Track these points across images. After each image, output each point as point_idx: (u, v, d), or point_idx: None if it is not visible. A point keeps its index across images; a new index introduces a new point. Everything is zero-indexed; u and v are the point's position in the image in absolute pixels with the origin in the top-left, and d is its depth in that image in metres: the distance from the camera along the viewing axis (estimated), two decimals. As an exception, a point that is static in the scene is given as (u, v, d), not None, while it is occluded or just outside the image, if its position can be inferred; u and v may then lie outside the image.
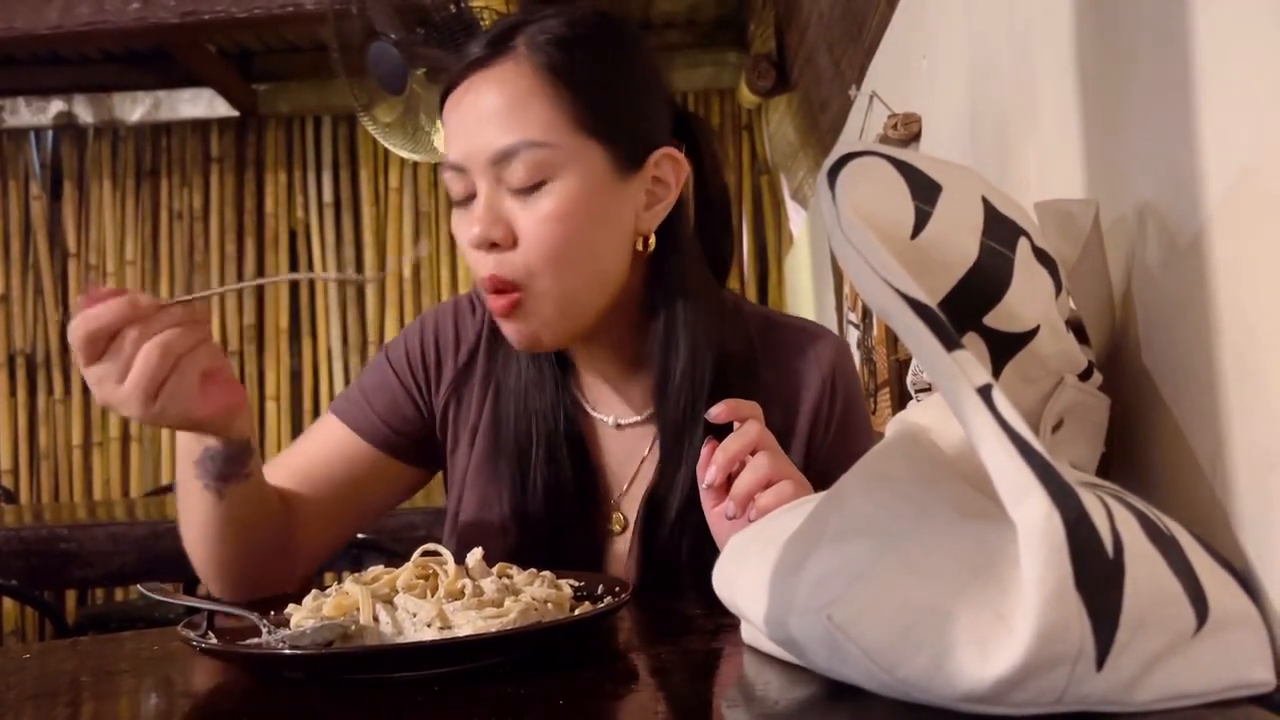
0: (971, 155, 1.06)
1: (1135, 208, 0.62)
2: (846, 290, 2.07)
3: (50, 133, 4.08)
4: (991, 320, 0.53)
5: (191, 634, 0.64)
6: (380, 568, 0.70)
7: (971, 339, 0.54)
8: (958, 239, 0.52)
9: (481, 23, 2.28)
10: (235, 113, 3.97)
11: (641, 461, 0.88)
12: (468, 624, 0.61)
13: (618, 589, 0.70)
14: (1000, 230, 0.53)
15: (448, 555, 0.69)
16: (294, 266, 4.02)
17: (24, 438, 3.97)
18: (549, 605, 0.65)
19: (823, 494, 0.56)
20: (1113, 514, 0.43)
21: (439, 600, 0.64)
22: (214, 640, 0.64)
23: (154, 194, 4.04)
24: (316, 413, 3.96)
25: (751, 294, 3.90)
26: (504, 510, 0.87)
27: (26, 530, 2.17)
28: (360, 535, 1.87)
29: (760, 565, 0.52)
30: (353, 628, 0.63)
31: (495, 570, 0.71)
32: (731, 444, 0.72)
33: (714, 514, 0.75)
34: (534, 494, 0.85)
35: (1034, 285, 0.54)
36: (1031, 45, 0.83)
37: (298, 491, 0.88)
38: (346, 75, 2.25)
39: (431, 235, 4.01)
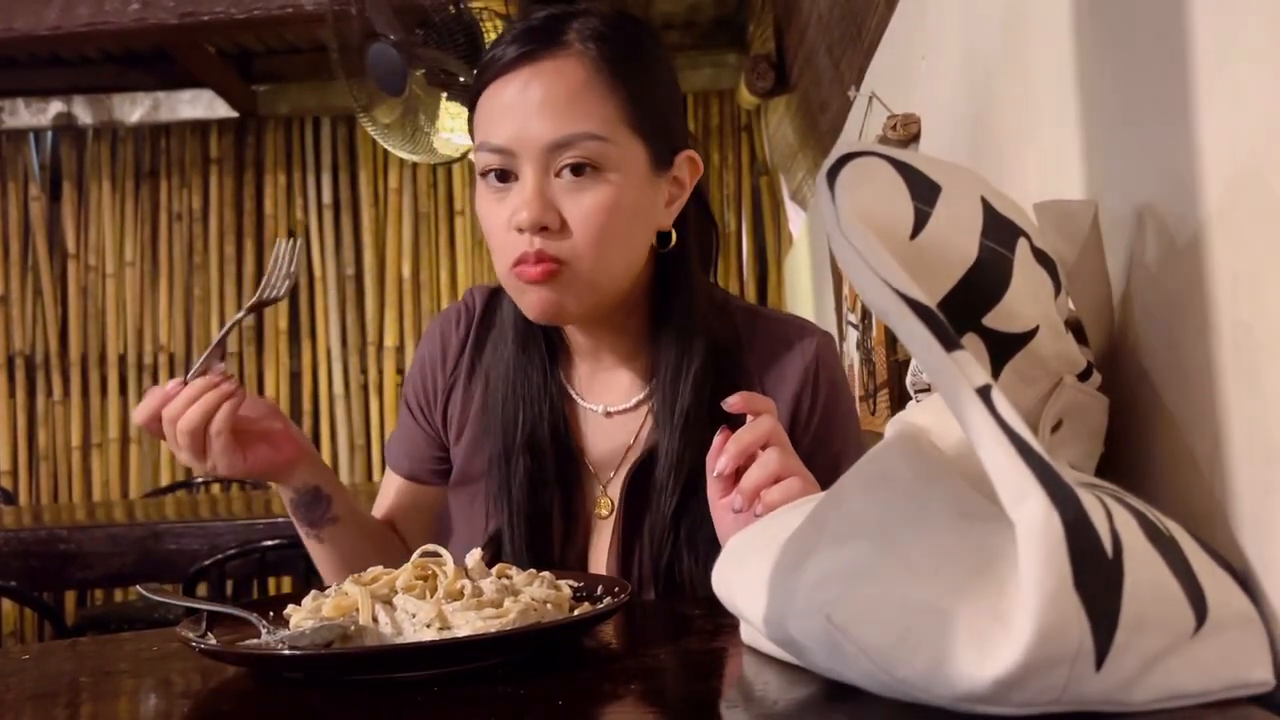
0: (970, 156, 1.07)
1: (1134, 208, 0.62)
2: (846, 291, 2.07)
3: (49, 134, 4.08)
4: (991, 321, 0.54)
5: (191, 634, 0.64)
6: (380, 568, 0.70)
7: (971, 339, 0.54)
8: (957, 239, 0.52)
9: (481, 23, 2.28)
10: (234, 114, 3.97)
11: (629, 448, 0.91)
12: (467, 625, 0.61)
13: (617, 589, 0.70)
14: (999, 231, 0.54)
15: (447, 556, 0.70)
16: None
17: (23, 439, 3.97)
18: (548, 606, 0.65)
19: (822, 494, 0.56)
20: (1112, 514, 0.43)
21: (438, 601, 0.64)
22: (213, 641, 0.64)
23: (153, 195, 4.03)
24: (316, 414, 3.97)
25: (751, 295, 3.90)
26: (489, 494, 0.91)
27: (26, 531, 2.17)
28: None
29: (759, 565, 0.52)
30: (352, 628, 0.63)
31: (495, 571, 0.71)
32: (745, 435, 0.73)
33: (719, 505, 0.76)
34: (517, 478, 0.89)
35: (1033, 286, 0.54)
36: (1030, 46, 0.83)
37: (399, 528, 0.99)
38: (346, 76, 2.25)
39: (431, 236, 4.01)
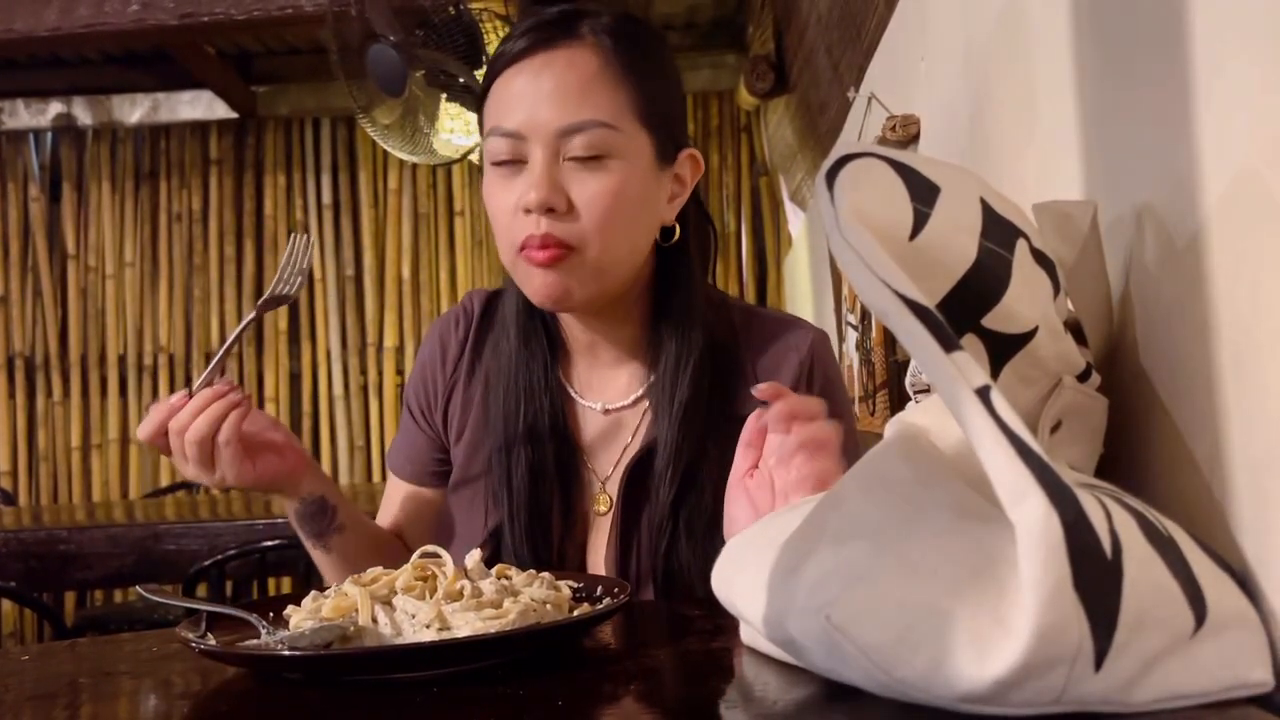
0: (970, 157, 1.07)
1: (1133, 209, 0.62)
2: (845, 292, 2.07)
3: (49, 134, 4.08)
4: (990, 321, 0.54)
5: (190, 635, 0.64)
6: (379, 569, 0.70)
7: (970, 340, 0.54)
8: (956, 240, 0.52)
9: (481, 24, 2.28)
10: (234, 115, 3.97)
11: (627, 445, 0.92)
12: (466, 625, 0.61)
13: (617, 590, 0.70)
14: (999, 231, 0.54)
15: (446, 557, 0.70)
16: (293, 268, 4.02)
17: (23, 440, 3.97)
18: (548, 606, 0.65)
19: (821, 495, 0.56)
20: (1111, 515, 0.43)
21: (438, 601, 0.64)
22: (213, 641, 0.64)
23: (153, 196, 4.04)
24: (316, 415, 3.97)
25: (750, 295, 3.90)
26: (489, 489, 0.91)
27: (25, 532, 2.17)
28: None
29: (759, 566, 0.52)
30: (351, 629, 0.63)
31: (494, 571, 0.71)
32: (796, 401, 0.72)
33: (737, 487, 0.74)
34: (518, 471, 0.90)
35: (1032, 286, 0.54)
36: (1030, 47, 0.83)
37: (404, 535, 0.99)
38: (346, 77, 2.25)
39: (430, 236, 4.01)
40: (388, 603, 0.65)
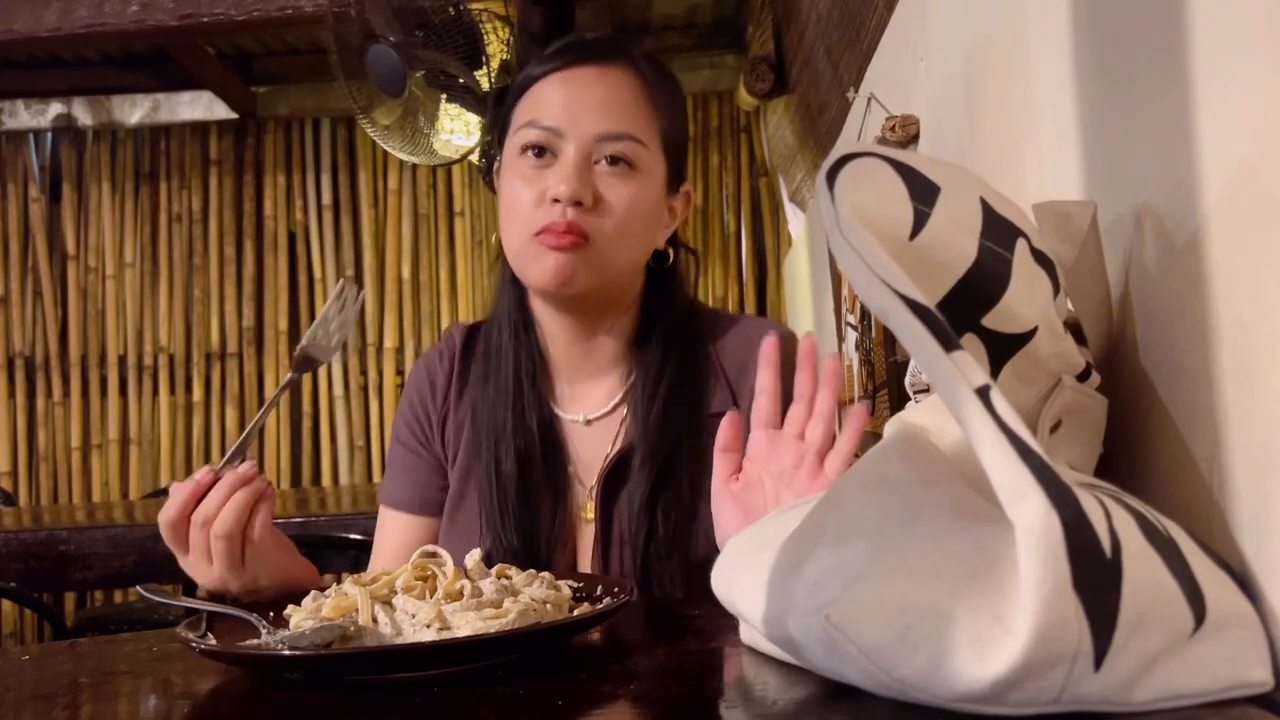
0: (970, 157, 1.07)
1: (1133, 208, 0.62)
2: (845, 292, 2.07)
3: (49, 135, 4.08)
4: (990, 321, 0.54)
5: (191, 635, 0.64)
6: (379, 569, 0.70)
7: (970, 340, 0.54)
8: (956, 240, 0.52)
9: (480, 25, 2.28)
10: (234, 115, 3.97)
11: (608, 452, 0.94)
12: (467, 625, 0.61)
13: (617, 590, 0.70)
14: (998, 231, 0.54)
15: (446, 557, 0.70)
16: (293, 268, 4.02)
17: (23, 440, 3.97)
18: (548, 606, 0.65)
19: (821, 495, 0.56)
20: (1110, 514, 0.43)
21: (437, 601, 0.64)
22: (213, 641, 0.64)
23: (153, 196, 4.04)
24: (316, 414, 3.97)
25: (750, 295, 3.90)
26: (480, 503, 0.94)
27: (25, 532, 2.17)
28: (357, 537, 1.87)
29: (758, 566, 0.52)
30: (351, 629, 0.63)
31: (494, 571, 0.71)
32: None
33: (723, 491, 0.78)
34: (508, 490, 0.92)
35: (1032, 286, 0.54)
36: (1029, 47, 0.83)
37: None
38: (345, 78, 2.25)
39: (430, 237, 4.01)
40: (388, 603, 0.65)
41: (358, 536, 1.86)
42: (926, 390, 0.75)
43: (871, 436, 0.92)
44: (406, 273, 3.98)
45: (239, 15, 2.72)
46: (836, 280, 2.19)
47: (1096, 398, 0.59)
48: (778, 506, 0.75)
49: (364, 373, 3.98)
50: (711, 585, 0.61)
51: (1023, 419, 0.42)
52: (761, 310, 3.91)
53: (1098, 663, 0.41)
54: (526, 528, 0.91)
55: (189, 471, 3.92)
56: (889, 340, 1.64)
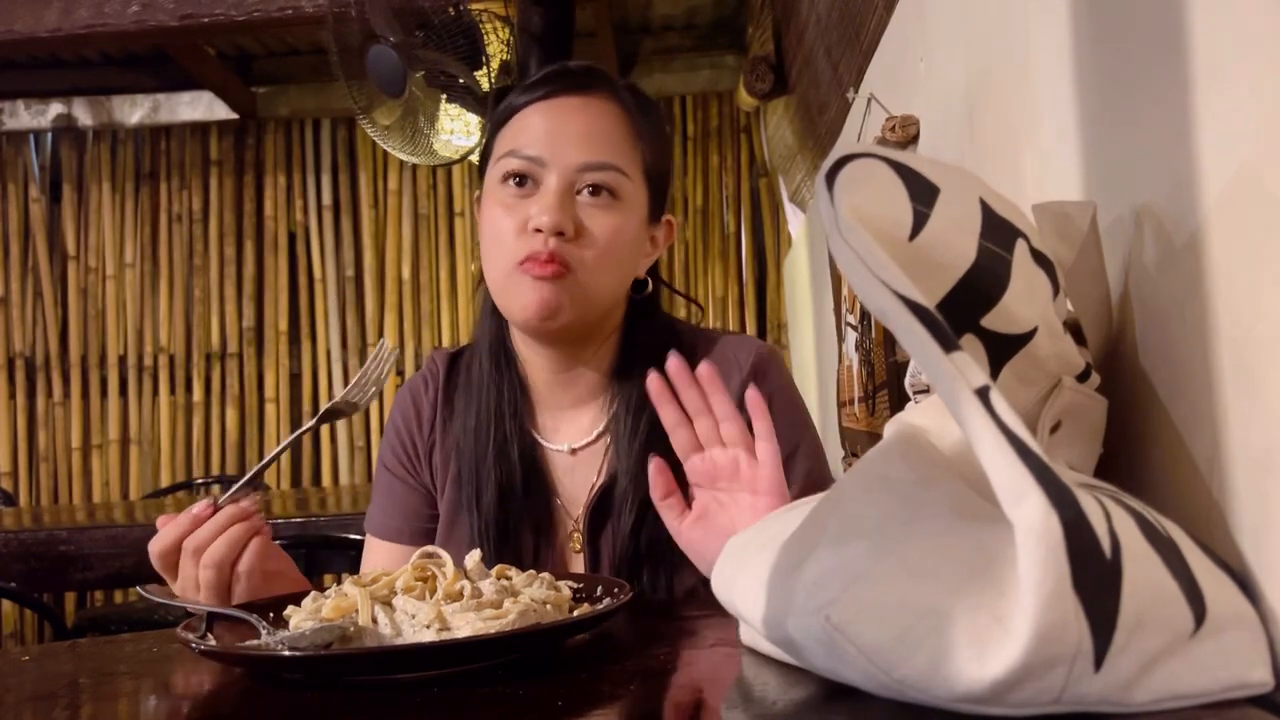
0: (969, 157, 1.07)
1: (1132, 209, 0.62)
2: (845, 292, 2.07)
3: (49, 135, 4.08)
4: (989, 322, 0.54)
5: (190, 636, 0.64)
6: (379, 569, 0.70)
7: (969, 341, 0.54)
8: (955, 241, 0.52)
9: (481, 25, 2.28)
10: (234, 115, 3.97)
11: (593, 482, 0.94)
12: (466, 626, 0.61)
13: (617, 590, 0.70)
14: (998, 232, 0.54)
15: (446, 557, 0.70)
16: (293, 269, 4.02)
17: (23, 440, 3.97)
18: (548, 607, 0.65)
19: (821, 495, 0.56)
20: (1110, 515, 0.43)
21: (437, 602, 0.64)
22: (213, 642, 0.64)
23: (153, 197, 4.04)
24: (315, 415, 3.96)
25: (750, 297, 3.90)
26: (465, 532, 0.93)
27: (26, 533, 2.17)
28: (357, 537, 1.87)
29: (758, 567, 0.52)
30: (351, 629, 0.63)
31: (494, 572, 0.71)
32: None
33: (673, 521, 0.81)
34: (489, 520, 0.92)
35: (1032, 287, 0.54)
36: (1029, 47, 0.83)
37: None
38: (346, 78, 2.25)
39: (430, 237, 4.01)
40: (388, 603, 0.65)
41: (357, 537, 1.86)
42: (926, 391, 0.75)
43: (871, 437, 0.92)
44: (406, 273, 3.98)
45: (239, 15, 2.72)
46: (836, 280, 2.19)
47: (1096, 398, 0.59)
48: (744, 512, 0.77)
49: (364, 373, 3.97)
50: (711, 586, 0.61)
51: (1022, 420, 0.43)
52: (761, 310, 3.91)
53: (1097, 663, 0.41)
54: (509, 560, 0.89)
55: (189, 472, 3.93)
56: (889, 340, 1.64)
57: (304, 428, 0.85)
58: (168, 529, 0.79)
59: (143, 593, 0.75)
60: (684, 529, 0.80)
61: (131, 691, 0.64)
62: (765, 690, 0.53)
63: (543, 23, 2.55)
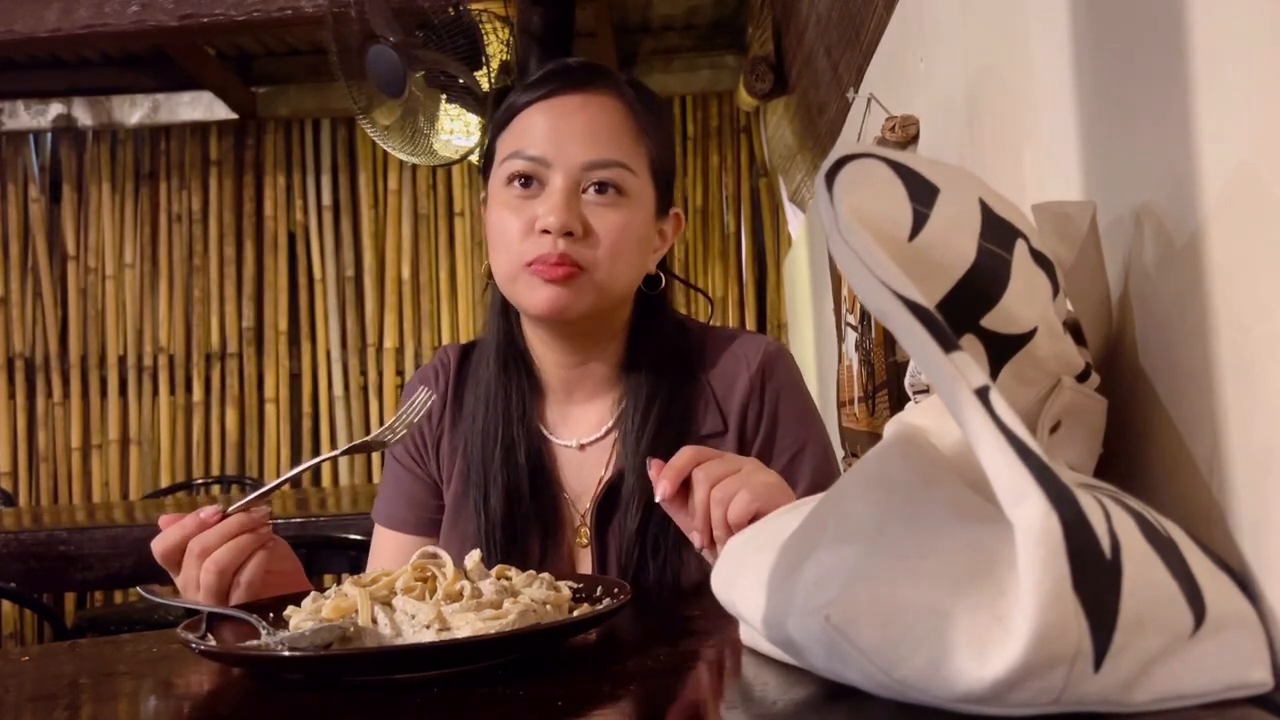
0: (969, 157, 1.07)
1: (1132, 209, 0.62)
2: (845, 292, 2.07)
3: (49, 135, 4.08)
4: (989, 322, 0.54)
5: (190, 636, 0.64)
6: (379, 570, 0.70)
7: (969, 341, 0.54)
8: (955, 241, 0.52)
9: (480, 25, 2.28)
10: (234, 116, 3.97)
11: (601, 477, 0.94)
12: (466, 626, 0.61)
13: (617, 590, 0.70)
14: (998, 232, 0.54)
15: (446, 558, 0.70)
16: (293, 269, 4.02)
17: (23, 440, 3.97)
18: (548, 607, 0.65)
19: (820, 495, 0.56)
20: (1110, 515, 0.43)
21: (437, 602, 0.64)
22: (213, 642, 0.64)
23: (153, 197, 4.04)
24: (316, 415, 3.97)
25: (750, 296, 3.90)
26: (471, 531, 0.93)
27: (25, 533, 2.17)
28: (357, 537, 1.87)
29: (758, 567, 0.52)
30: (351, 629, 0.63)
31: (494, 572, 0.71)
32: (677, 459, 0.76)
33: (669, 506, 0.78)
34: (494, 515, 0.92)
35: (1031, 287, 0.54)
36: (1029, 47, 0.83)
37: None
38: (345, 78, 2.25)
39: (430, 237, 4.01)
40: (388, 603, 0.65)
41: (357, 537, 1.86)
42: (926, 391, 0.75)
43: (871, 437, 0.92)
44: (406, 273, 3.98)
45: (239, 16, 2.72)
46: (836, 280, 2.19)
47: (1096, 398, 0.59)
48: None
49: (364, 373, 3.98)
50: (711, 586, 0.61)
51: (1022, 420, 0.42)
52: (761, 310, 3.91)
53: (1097, 663, 0.41)
54: (515, 558, 0.90)
55: (189, 472, 3.93)
56: (889, 340, 1.64)
57: (327, 455, 0.85)
58: (172, 530, 0.79)
59: (143, 593, 0.75)
60: (680, 518, 0.78)
61: (131, 692, 0.64)
62: (765, 690, 0.53)
63: (542, 23, 2.55)
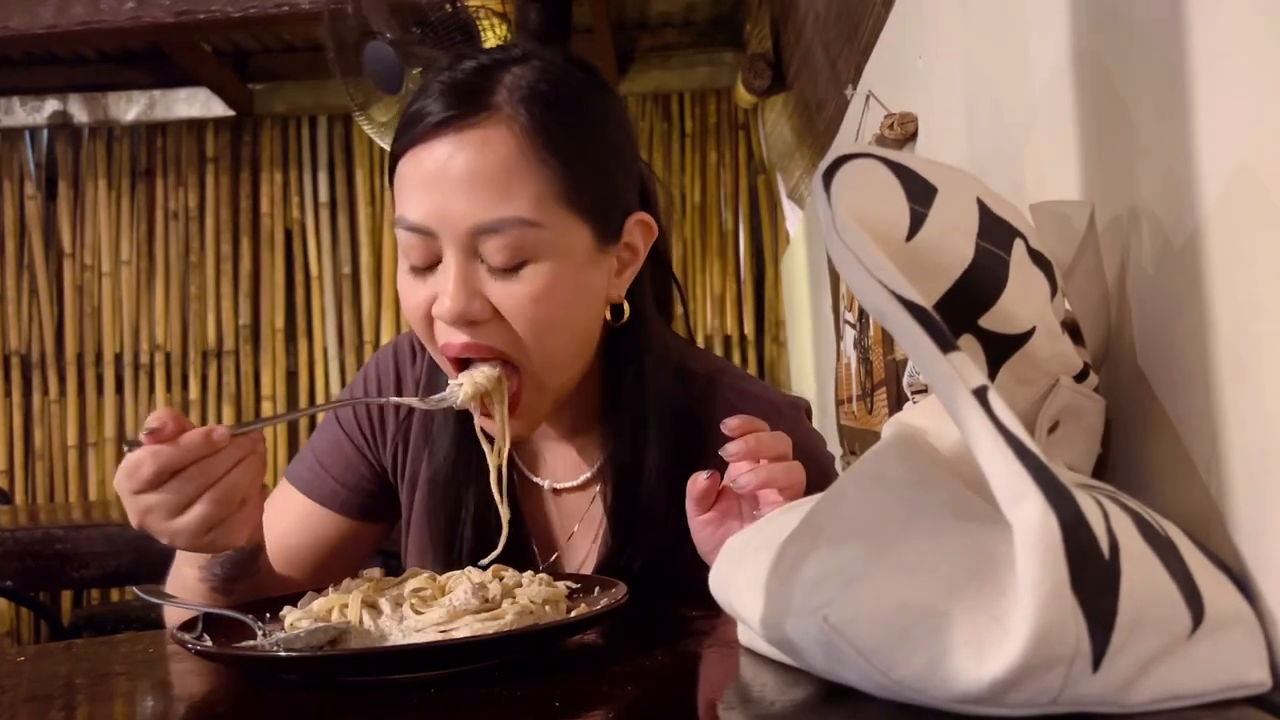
0: (967, 156, 1.07)
1: (1130, 208, 0.62)
2: (843, 290, 2.07)
3: (45, 132, 4.07)
4: (987, 322, 0.53)
5: (186, 636, 0.64)
6: (378, 570, 0.70)
7: (967, 341, 0.54)
8: (953, 241, 0.52)
9: (478, 22, 2.28)
10: (231, 112, 3.96)
11: (577, 525, 0.87)
12: (464, 626, 0.61)
13: (614, 591, 0.70)
14: (995, 232, 0.53)
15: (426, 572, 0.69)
16: (290, 266, 4.02)
17: (19, 438, 3.96)
18: (545, 607, 0.65)
19: (818, 495, 0.56)
20: (1108, 515, 0.43)
21: (450, 600, 0.64)
22: (209, 642, 0.64)
23: (149, 194, 4.03)
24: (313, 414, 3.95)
25: (748, 295, 3.90)
26: (435, 565, 0.84)
27: (21, 531, 2.17)
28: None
29: (756, 567, 0.52)
30: (348, 629, 0.63)
31: (490, 572, 0.71)
32: (769, 439, 0.69)
33: (699, 522, 0.73)
34: (461, 554, 0.83)
35: (1029, 287, 0.54)
36: (1028, 45, 0.83)
37: (282, 572, 0.86)
38: (342, 75, 2.24)
39: (428, 235, 4.00)
40: (384, 604, 0.65)
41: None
42: (924, 391, 0.75)
43: (869, 435, 0.91)
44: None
45: (235, 12, 2.71)
46: (834, 278, 2.19)
47: (1094, 398, 0.59)
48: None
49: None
50: (709, 586, 0.61)
51: (1020, 420, 0.42)
52: (759, 308, 3.90)
53: (1096, 664, 0.41)
54: None
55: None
56: (887, 339, 1.64)
57: (325, 405, 0.80)
58: (171, 452, 0.63)
59: (138, 592, 0.74)
60: (698, 524, 0.74)
61: (127, 692, 0.64)
62: (763, 691, 0.53)
63: (539, 19, 2.54)
